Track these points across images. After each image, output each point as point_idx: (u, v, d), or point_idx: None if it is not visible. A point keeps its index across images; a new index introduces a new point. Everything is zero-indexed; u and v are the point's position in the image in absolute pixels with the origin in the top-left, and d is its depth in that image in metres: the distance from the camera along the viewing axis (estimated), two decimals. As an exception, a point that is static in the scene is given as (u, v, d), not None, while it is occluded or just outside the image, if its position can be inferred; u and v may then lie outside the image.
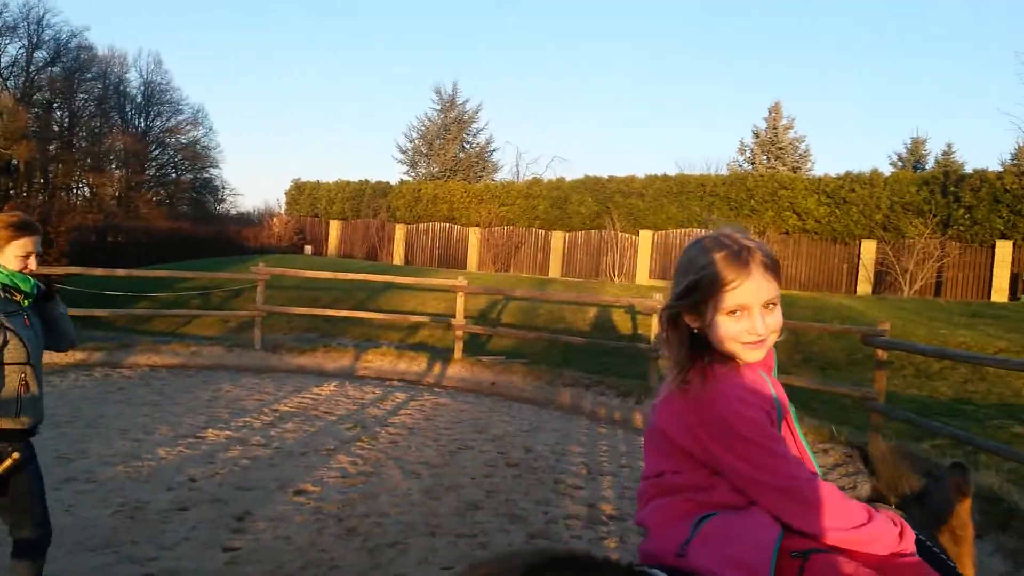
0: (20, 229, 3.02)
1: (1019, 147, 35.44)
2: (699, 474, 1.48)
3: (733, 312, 1.47)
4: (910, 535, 1.45)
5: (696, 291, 1.48)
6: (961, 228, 21.16)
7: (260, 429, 7.37)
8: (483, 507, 5.40)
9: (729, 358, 1.50)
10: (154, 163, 42.93)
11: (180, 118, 42.84)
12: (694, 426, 1.46)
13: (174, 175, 44.03)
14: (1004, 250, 20.64)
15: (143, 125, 41.94)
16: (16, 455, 2.95)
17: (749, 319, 1.47)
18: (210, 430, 7.18)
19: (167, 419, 7.54)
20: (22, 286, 3.01)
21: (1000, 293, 20.46)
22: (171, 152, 43.33)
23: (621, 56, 77.07)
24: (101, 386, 9.16)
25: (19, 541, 3.07)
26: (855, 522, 1.41)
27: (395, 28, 77.53)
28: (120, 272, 13.24)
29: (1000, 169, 22.45)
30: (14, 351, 2.96)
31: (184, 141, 43.13)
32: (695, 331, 1.52)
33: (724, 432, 1.43)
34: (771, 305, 1.50)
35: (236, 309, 15.25)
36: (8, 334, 2.94)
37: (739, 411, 1.43)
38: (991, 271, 20.83)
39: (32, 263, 3.03)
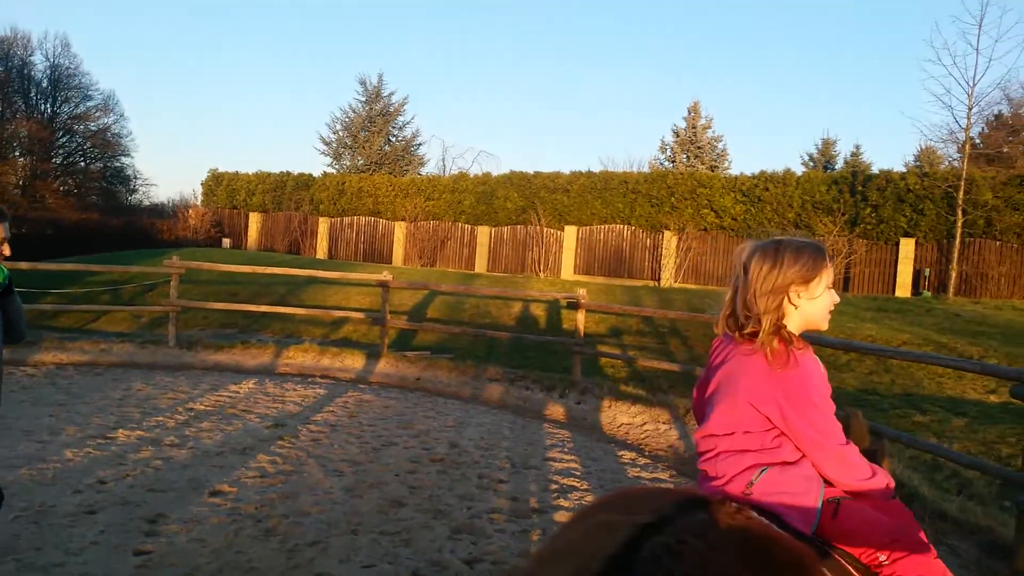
0: None
1: (921, 149, 37.42)
2: (768, 435, 1.93)
3: (830, 287, 2.04)
4: (892, 482, 1.98)
5: (818, 267, 2.00)
6: (868, 226, 22.19)
7: (174, 429, 7.14)
8: (407, 503, 5.38)
9: (800, 345, 1.96)
10: (61, 151, 40.83)
11: (89, 104, 40.85)
12: (779, 398, 1.90)
13: (83, 164, 41.99)
14: (907, 247, 21.75)
15: (49, 111, 39.81)
16: None
17: (834, 294, 2.06)
18: (121, 430, 6.91)
19: (74, 419, 7.21)
20: None
21: (903, 288, 21.56)
22: (80, 140, 41.27)
23: (546, 52, 77.70)
24: (3, 385, 8.69)
25: None
26: (866, 475, 1.93)
27: (318, 15, 76.03)
28: (23, 265, 12.52)
29: (904, 170, 23.66)
30: None
31: (94, 128, 41.13)
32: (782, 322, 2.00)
33: (804, 402, 1.90)
34: None
35: (149, 304, 14.71)
36: None
37: (818, 387, 1.93)
38: (895, 267, 21.93)
39: (6, 249, 3.04)
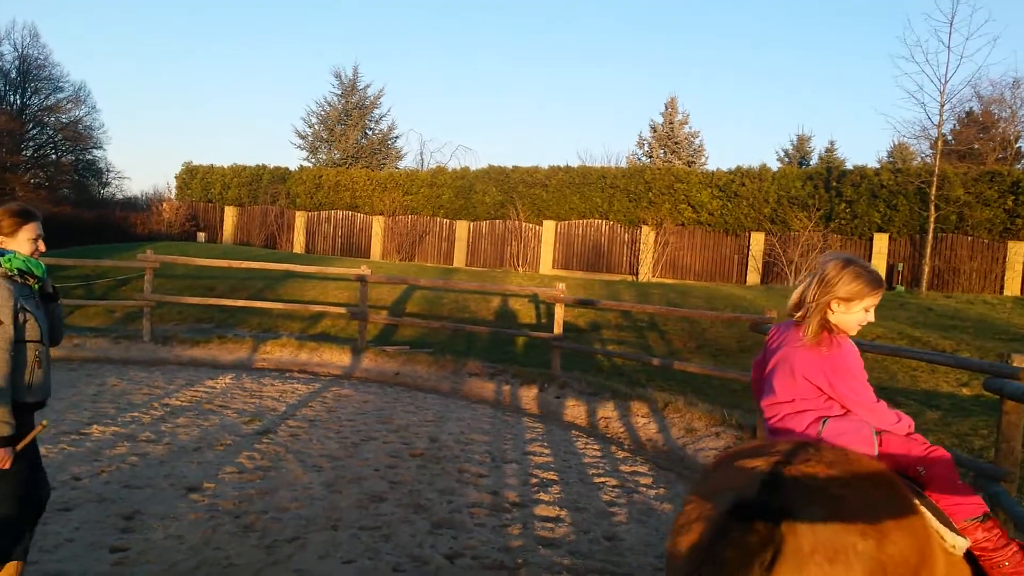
0: (26, 215, 3.28)
1: (894, 145, 37.89)
2: (819, 400, 2.56)
3: (867, 309, 2.59)
4: (912, 422, 2.64)
5: (863, 294, 2.57)
6: (842, 221, 22.43)
7: (150, 424, 7.06)
8: (386, 498, 5.36)
9: (840, 331, 2.58)
10: (31, 143, 40.10)
11: (60, 96, 40.13)
12: (827, 372, 2.51)
13: (54, 156, 41.26)
14: (881, 242, 22.04)
15: (19, 102, 39.08)
16: (45, 422, 3.41)
17: (869, 315, 2.62)
18: (95, 426, 6.82)
19: (48, 415, 7.08)
20: (36, 271, 3.25)
21: (877, 283, 21.82)
22: (50, 132, 40.55)
23: (523, 47, 77.61)
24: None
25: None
26: (895, 420, 2.58)
27: (292, 6, 75.30)
28: (-7, 259, 12.34)
29: (877, 166, 23.92)
30: (31, 330, 3.19)
31: (65, 120, 40.45)
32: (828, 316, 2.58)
33: (846, 374, 2.51)
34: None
35: (123, 299, 14.51)
36: (27, 314, 3.17)
37: (854, 362, 2.54)
38: (870, 262, 22.15)
39: (41, 245, 3.32)
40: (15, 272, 3.17)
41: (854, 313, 2.58)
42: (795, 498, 1.92)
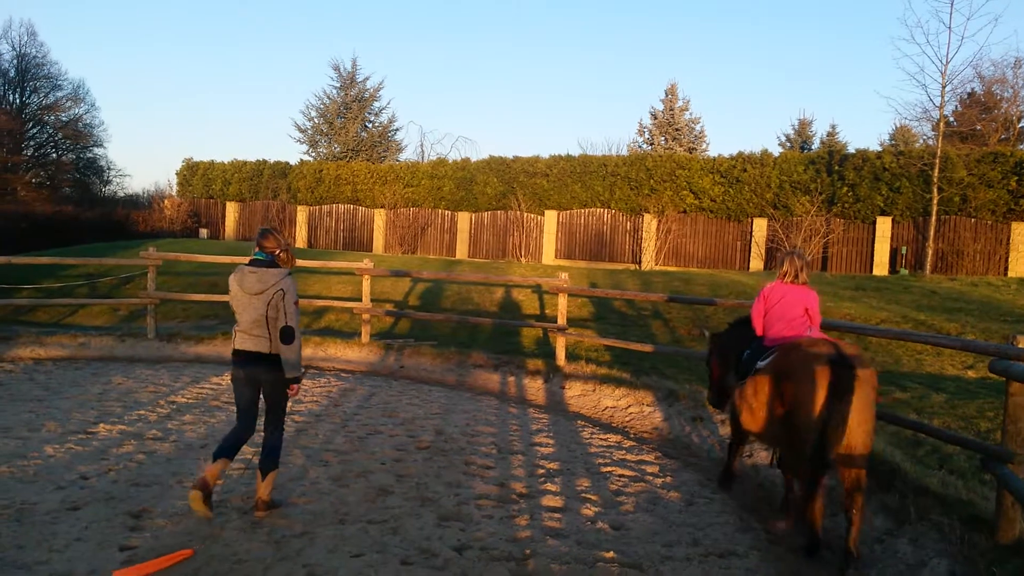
0: None
1: (896, 128, 37.72)
2: (805, 316, 5.25)
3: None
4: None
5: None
6: (845, 205, 22.35)
7: (156, 422, 7.07)
8: (393, 492, 5.37)
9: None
10: (32, 142, 40.14)
11: (59, 94, 40.18)
12: (811, 302, 5.27)
13: (55, 155, 41.31)
14: (884, 226, 21.96)
15: (18, 102, 39.08)
16: None
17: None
18: (102, 425, 6.84)
19: (54, 415, 7.12)
20: None
21: (881, 267, 21.78)
22: (50, 131, 40.58)
23: (522, 36, 77.30)
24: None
25: None
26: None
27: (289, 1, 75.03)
28: (-4, 260, 12.34)
29: (880, 149, 23.81)
30: None
31: (64, 119, 40.46)
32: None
33: (817, 304, 5.31)
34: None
35: (127, 297, 14.53)
36: None
37: (818, 298, 5.40)
38: (873, 246, 22.13)
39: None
40: None
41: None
42: (852, 358, 4.44)
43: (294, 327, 4.67)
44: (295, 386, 4.79)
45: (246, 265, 4.84)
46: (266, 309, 4.69)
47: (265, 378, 4.76)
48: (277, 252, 4.85)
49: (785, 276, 5.23)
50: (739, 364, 5.53)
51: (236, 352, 4.81)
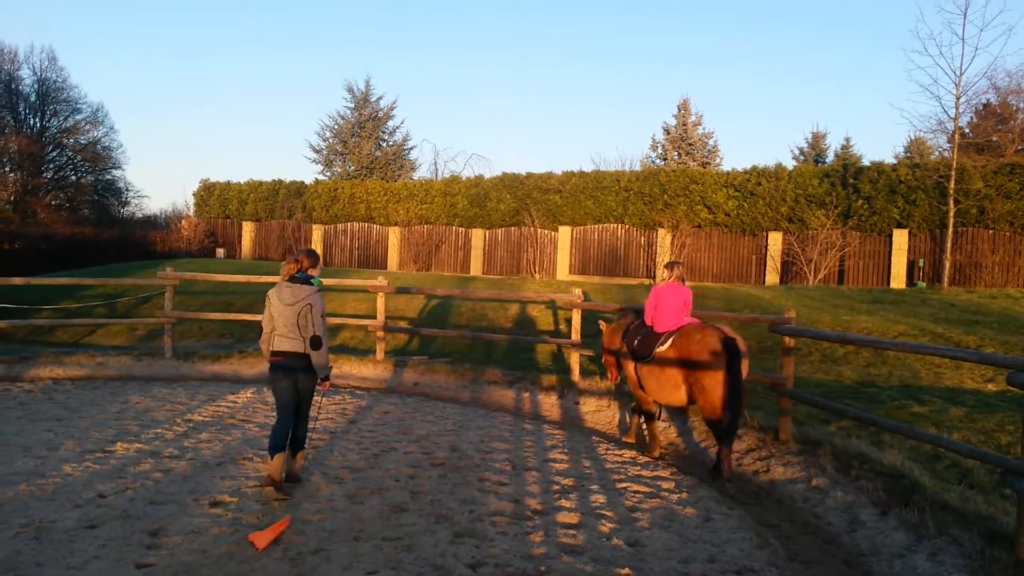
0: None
1: (911, 140, 37.54)
2: (685, 310, 7.21)
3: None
4: None
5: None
6: (861, 218, 22.24)
7: (173, 440, 7.12)
8: (408, 509, 5.37)
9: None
10: (52, 165, 40.69)
11: (78, 117, 40.72)
12: (687, 298, 7.24)
13: (74, 177, 41.84)
14: (900, 238, 21.81)
15: (38, 125, 39.67)
16: None
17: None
18: (120, 443, 6.89)
19: (73, 434, 7.19)
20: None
21: (898, 280, 21.62)
22: (70, 153, 41.12)
23: (534, 53, 77.75)
24: (-2, 402, 8.66)
25: None
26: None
27: (303, 22, 75.98)
28: (18, 281, 12.50)
29: (895, 161, 23.70)
30: None
31: (83, 142, 40.99)
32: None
33: (690, 299, 7.29)
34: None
35: (144, 316, 14.66)
36: None
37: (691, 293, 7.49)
38: (889, 259, 21.98)
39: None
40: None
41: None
42: (734, 340, 6.52)
43: (321, 336, 5.60)
44: (325, 382, 5.72)
45: (285, 282, 5.70)
46: (296, 318, 5.56)
47: (300, 372, 5.63)
48: (308, 268, 5.79)
49: (670, 279, 7.19)
50: (632, 347, 7.37)
51: (275, 352, 5.62)
